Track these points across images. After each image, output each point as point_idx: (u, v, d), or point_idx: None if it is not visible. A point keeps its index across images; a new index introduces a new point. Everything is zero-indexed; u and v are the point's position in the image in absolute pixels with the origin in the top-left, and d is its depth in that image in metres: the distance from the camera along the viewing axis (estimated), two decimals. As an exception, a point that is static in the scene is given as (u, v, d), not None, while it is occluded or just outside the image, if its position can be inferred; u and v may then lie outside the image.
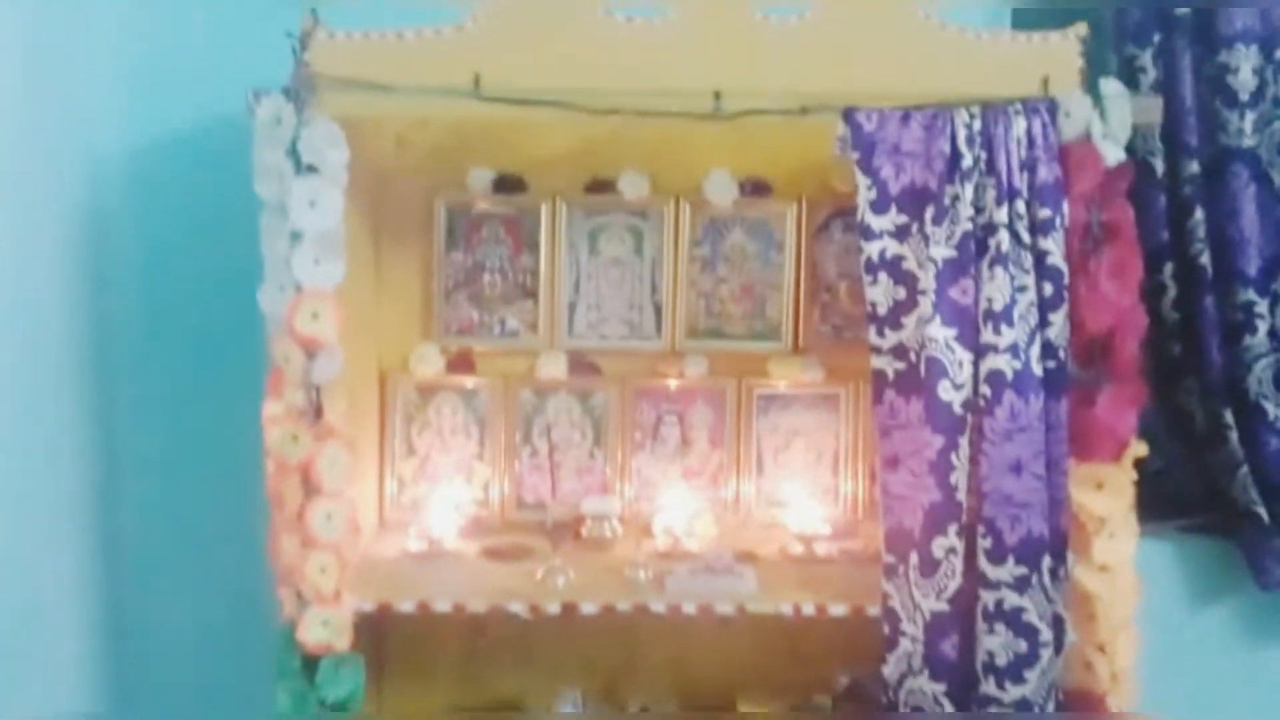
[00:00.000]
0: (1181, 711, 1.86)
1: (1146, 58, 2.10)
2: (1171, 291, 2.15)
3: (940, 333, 1.72)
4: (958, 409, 1.72)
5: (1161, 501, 1.84)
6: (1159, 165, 2.12)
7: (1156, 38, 2.10)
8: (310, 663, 1.76)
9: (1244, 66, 2.10)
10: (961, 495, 1.74)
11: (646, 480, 2.27)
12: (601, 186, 2.24)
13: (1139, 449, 1.77)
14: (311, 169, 1.71)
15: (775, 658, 2.17)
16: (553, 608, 1.86)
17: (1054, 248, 1.73)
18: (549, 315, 2.25)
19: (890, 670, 1.80)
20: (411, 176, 2.21)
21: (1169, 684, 1.83)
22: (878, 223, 1.76)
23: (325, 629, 1.75)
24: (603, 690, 2.23)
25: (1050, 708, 1.75)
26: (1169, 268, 2.14)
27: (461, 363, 2.26)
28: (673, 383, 2.27)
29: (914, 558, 1.76)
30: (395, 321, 2.25)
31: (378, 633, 2.22)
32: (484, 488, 2.26)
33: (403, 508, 2.24)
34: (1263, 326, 2.14)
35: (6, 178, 1.84)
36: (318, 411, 1.76)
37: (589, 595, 1.89)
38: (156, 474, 2.24)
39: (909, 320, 1.76)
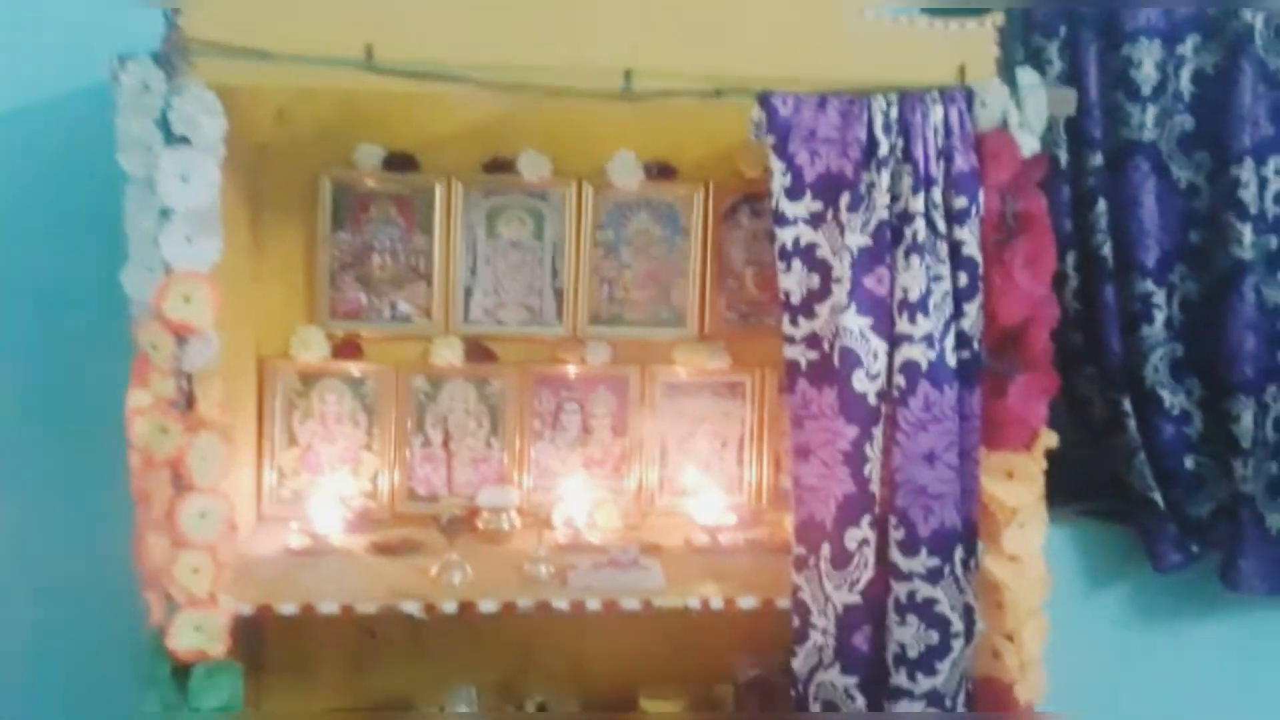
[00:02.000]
0: (1078, 692, 1.88)
1: (1053, 50, 2.10)
2: (1073, 281, 2.16)
3: (855, 322, 1.67)
4: (872, 399, 1.68)
5: (1060, 487, 1.84)
6: (1063, 156, 2.12)
7: (1063, 30, 2.10)
8: (182, 670, 1.62)
9: (1146, 60, 2.11)
10: (874, 486, 1.70)
11: (546, 470, 2.19)
12: (500, 166, 2.13)
13: (1050, 439, 1.77)
14: (183, 140, 1.57)
15: (677, 649, 2.12)
16: (449, 607, 1.75)
17: (969, 237, 1.70)
18: (443, 299, 2.14)
19: (800, 663, 1.76)
20: (294, 151, 2.06)
21: (1066, 666, 1.84)
22: (792, 209, 1.71)
23: (198, 634, 1.62)
24: (498, 687, 2.14)
25: (961, 699, 1.74)
26: (1071, 258, 2.15)
27: (348, 348, 2.13)
28: (573, 369, 2.18)
29: (826, 549, 1.72)
30: (276, 304, 2.11)
31: (255, 634, 2.09)
32: (372, 479, 2.14)
33: (283, 501, 2.10)
34: (1160, 316, 2.17)
35: None
36: (189, 401, 1.62)
37: (487, 592, 1.79)
38: (11, 469, 2.04)
39: (823, 309, 1.71)
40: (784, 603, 1.78)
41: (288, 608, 1.73)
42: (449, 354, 2.12)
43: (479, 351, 2.15)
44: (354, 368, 2.13)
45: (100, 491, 1.74)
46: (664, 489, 2.21)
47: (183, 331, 1.59)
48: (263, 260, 2.10)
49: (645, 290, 2.19)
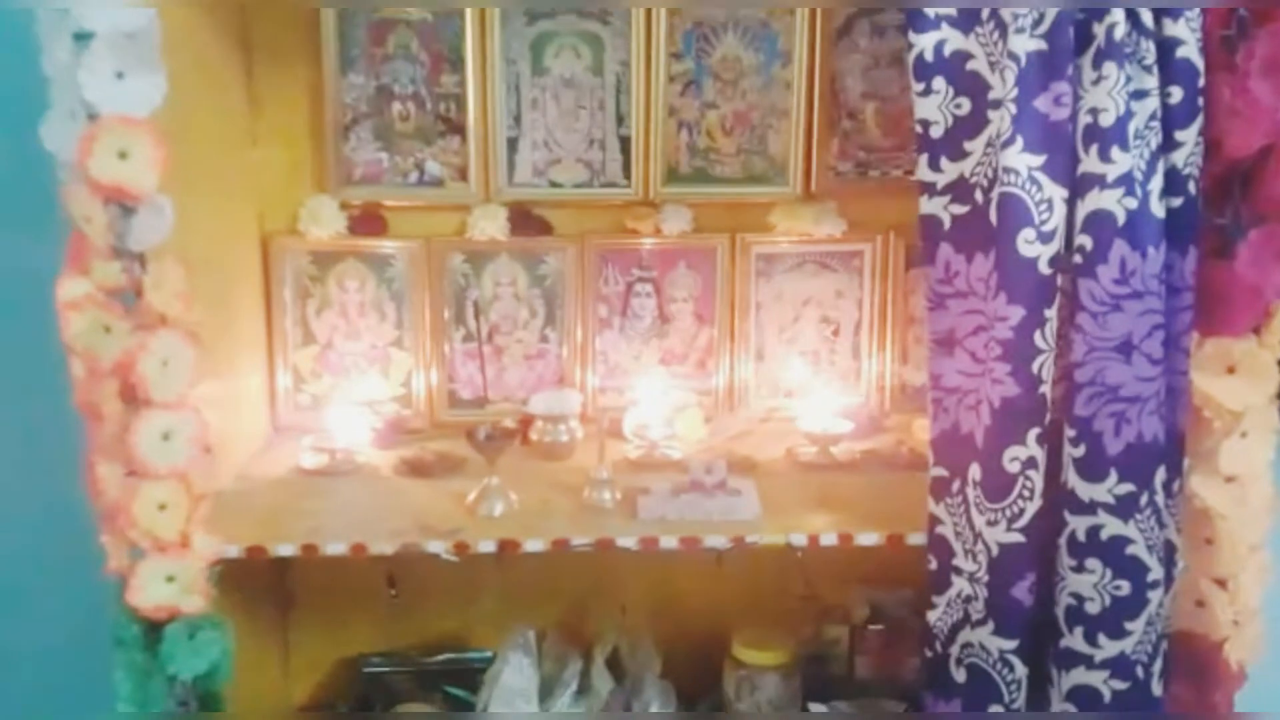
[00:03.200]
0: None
1: None
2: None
3: (1022, 161, 1.21)
4: (1044, 268, 1.23)
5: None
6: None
7: None
8: (155, 630, 1.30)
9: None
10: (1046, 388, 1.25)
11: (615, 367, 1.80)
12: (546, -20, 1.68)
13: (1290, 318, 1.29)
14: (104, -66, 1.16)
15: (779, 584, 1.72)
16: (485, 546, 1.39)
17: (1187, 35, 1.21)
18: (481, 156, 1.72)
19: (939, 617, 1.36)
20: (287, -30, 1.65)
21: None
22: (933, 4, 1.24)
23: (169, 586, 1.28)
24: (564, 628, 1.78)
25: (1157, 666, 1.30)
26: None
27: (369, 221, 1.74)
28: (647, 241, 1.76)
29: (975, 472, 1.29)
30: (279, 170, 1.72)
31: (282, 569, 1.77)
32: (405, 383, 1.77)
33: (302, 409, 1.76)
34: None
35: None
36: (138, 291, 1.25)
37: (534, 526, 1.42)
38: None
39: (975, 145, 1.27)
40: (917, 539, 1.37)
41: (284, 548, 1.38)
42: (491, 225, 1.72)
43: (528, 221, 1.74)
44: (378, 245, 1.74)
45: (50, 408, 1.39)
46: (761, 389, 1.80)
47: (120, 197, 1.21)
48: (260, 117, 1.71)
49: (735, 136, 1.74)
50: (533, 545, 1.38)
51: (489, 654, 1.77)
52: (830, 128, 1.73)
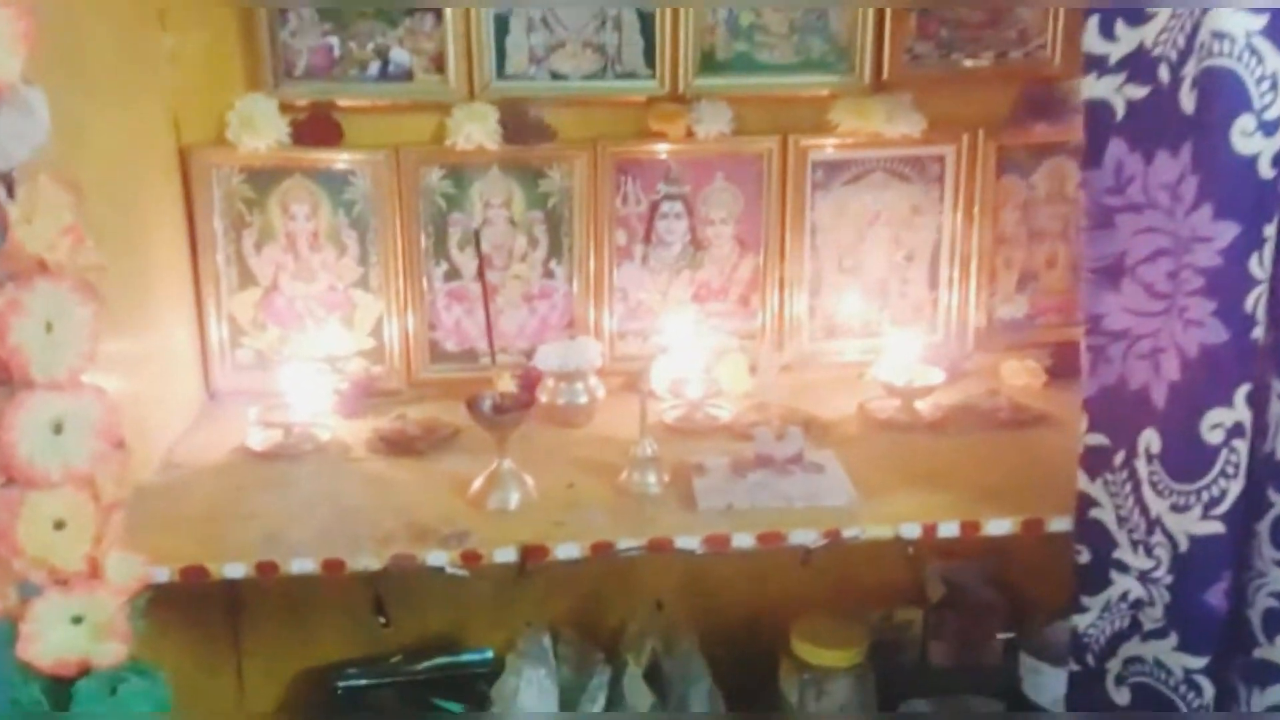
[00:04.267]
0: None
1: None
2: None
3: (1237, 23, 0.90)
4: (1266, 170, 0.92)
5: None
6: None
7: None
8: (63, 685, 0.96)
9: None
10: (1260, 330, 0.95)
11: (637, 307, 1.46)
12: None
13: None
14: None
15: (850, 565, 1.42)
16: (502, 554, 1.05)
17: None
18: (462, 40, 1.35)
19: (1092, 623, 1.07)
20: None
21: None
22: None
23: (76, 630, 0.95)
24: (583, 623, 1.48)
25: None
26: None
27: (318, 127, 1.37)
28: (675, 148, 1.41)
29: (1151, 441, 1.00)
30: (196, 59, 1.35)
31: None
32: (374, 333, 1.41)
33: (242, 369, 1.41)
34: None
35: None
36: (5, 227, 0.89)
37: (565, 524, 1.10)
38: None
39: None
40: (1060, 524, 1.07)
41: (232, 568, 1.04)
42: (477, 131, 1.36)
43: (524, 125, 1.38)
44: (330, 158, 1.37)
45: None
46: (819, 329, 1.47)
47: (-35, 92, 0.84)
48: (169, -11, 1.31)
49: (786, 11, 1.38)
50: (566, 551, 1.06)
51: (488, 655, 1.47)
52: (904, -2, 1.38)
